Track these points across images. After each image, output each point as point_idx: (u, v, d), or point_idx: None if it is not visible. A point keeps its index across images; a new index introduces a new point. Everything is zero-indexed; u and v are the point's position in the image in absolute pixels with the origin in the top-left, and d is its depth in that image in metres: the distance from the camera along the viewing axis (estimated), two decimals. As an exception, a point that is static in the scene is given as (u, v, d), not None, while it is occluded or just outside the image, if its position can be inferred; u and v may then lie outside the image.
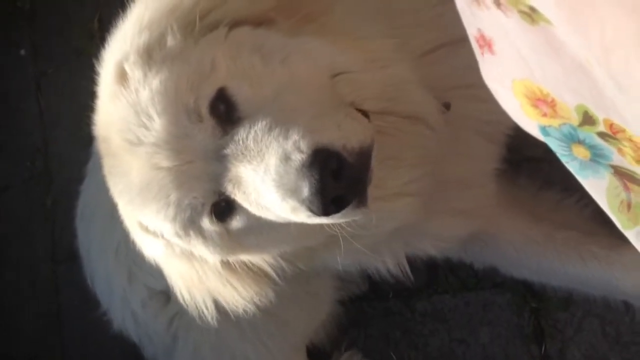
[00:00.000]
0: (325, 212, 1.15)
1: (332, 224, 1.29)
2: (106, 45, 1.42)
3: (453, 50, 1.58)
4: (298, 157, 1.14)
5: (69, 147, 3.11)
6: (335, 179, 1.14)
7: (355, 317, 2.42)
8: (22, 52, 3.50)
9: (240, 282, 1.52)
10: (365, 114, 1.32)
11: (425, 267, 2.26)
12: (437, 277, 2.31)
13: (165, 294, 2.09)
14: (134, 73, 1.31)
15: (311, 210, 1.15)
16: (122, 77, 1.33)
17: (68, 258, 2.95)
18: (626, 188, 0.97)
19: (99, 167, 1.57)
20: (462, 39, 1.53)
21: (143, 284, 2.11)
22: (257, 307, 1.94)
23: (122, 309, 2.21)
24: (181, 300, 1.59)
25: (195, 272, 1.50)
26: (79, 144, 2.56)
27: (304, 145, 1.14)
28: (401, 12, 1.58)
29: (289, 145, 1.16)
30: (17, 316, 3.39)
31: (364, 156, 1.19)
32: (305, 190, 1.13)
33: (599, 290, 1.87)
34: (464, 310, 2.27)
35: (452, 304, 2.29)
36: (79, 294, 2.52)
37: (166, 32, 1.32)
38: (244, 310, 1.56)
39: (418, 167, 1.48)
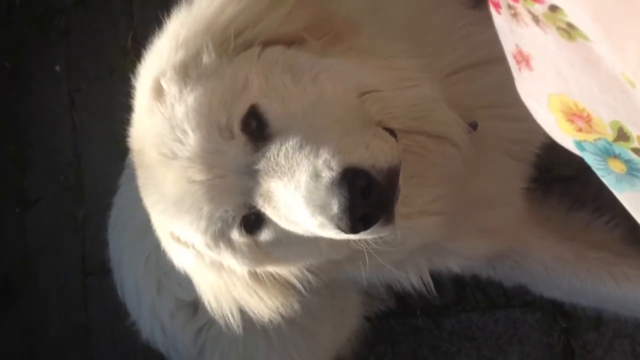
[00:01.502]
0: (353, 230, 1.18)
1: (358, 240, 1.31)
2: (142, 61, 1.45)
3: (480, 70, 1.60)
4: (328, 175, 1.16)
5: (101, 162, 3.17)
6: (363, 197, 1.16)
7: (383, 334, 2.41)
8: (57, 68, 3.57)
9: (267, 293, 1.54)
10: (392, 132, 1.33)
11: (453, 284, 2.26)
12: (465, 294, 2.29)
13: (194, 306, 2.11)
14: (170, 89, 1.34)
15: (339, 227, 1.17)
16: (158, 92, 1.37)
17: (98, 270, 2.99)
18: (662, 201, 0.97)
19: (132, 180, 1.61)
20: (489, 60, 1.57)
21: (172, 294, 2.13)
22: (285, 318, 1.97)
23: (150, 320, 2.23)
24: (209, 309, 1.61)
25: (224, 282, 1.53)
26: (111, 159, 2.61)
27: (334, 164, 1.17)
28: (428, 32, 1.60)
29: (319, 163, 1.18)
30: (47, 327, 3.43)
31: (392, 175, 1.21)
32: (335, 208, 1.15)
33: (630, 311, 1.85)
34: (493, 329, 2.25)
35: (481, 322, 2.27)
36: (108, 306, 2.55)
37: (202, 49, 1.35)
38: (270, 320, 1.58)
39: (443, 186, 1.49)
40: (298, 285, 1.55)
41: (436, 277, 1.86)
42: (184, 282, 2.05)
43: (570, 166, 1.97)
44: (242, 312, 1.77)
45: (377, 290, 2.31)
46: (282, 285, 1.55)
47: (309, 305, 2.06)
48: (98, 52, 3.38)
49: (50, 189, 3.51)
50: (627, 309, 1.84)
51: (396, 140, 1.31)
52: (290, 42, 1.40)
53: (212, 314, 1.62)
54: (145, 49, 1.45)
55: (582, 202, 1.98)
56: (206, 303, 1.60)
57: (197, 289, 1.62)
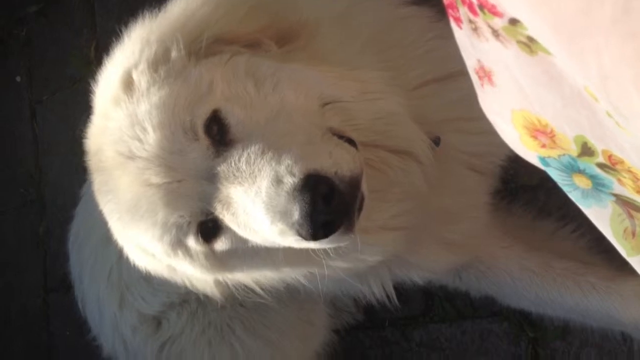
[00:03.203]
0: (314, 237, 1.16)
1: (317, 250, 1.30)
2: (107, 59, 1.43)
3: (444, 84, 1.60)
4: (290, 181, 1.15)
5: (63, 175, 3.11)
6: (325, 204, 1.15)
7: (351, 347, 2.40)
8: (18, 78, 3.52)
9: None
10: (353, 144, 1.32)
11: (421, 295, 2.26)
12: (434, 305, 2.29)
13: (157, 320, 2.08)
14: (141, 82, 1.32)
15: (300, 234, 1.16)
16: (128, 84, 1.34)
17: (59, 286, 2.93)
18: (630, 216, 0.96)
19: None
20: (453, 74, 1.57)
21: (134, 308, 2.09)
22: (251, 331, 1.95)
23: (112, 334, 2.18)
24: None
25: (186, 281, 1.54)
26: (73, 171, 2.56)
27: (296, 170, 1.16)
28: (393, 45, 1.59)
29: (281, 168, 1.17)
30: (7, 345, 3.35)
31: (354, 184, 1.20)
32: (296, 214, 1.14)
33: (597, 321, 1.86)
34: (461, 339, 2.25)
35: (449, 333, 2.27)
36: (70, 322, 2.49)
37: (172, 47, 1.34)
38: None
39: (404, 202, 1.49)
40: (259, 291, 1.55)
41: (403, 288, 1.85)
42: (147, 295, 2.03)
43: (534, 175, 1.99)
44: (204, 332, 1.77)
45: (345, 303, 2.31)
46: (245, 290, 1.55)
47: (275, 318, 2.05)
48: (60, 63, 3.32)
49: (11, 202, 3.43)
50: (594, 319, 1.85)
51: (357, 151, 1.30)
52: (252, 45, 1.39)
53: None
54: (106, 59, 1.43)
55: (547, 211, 2.00)
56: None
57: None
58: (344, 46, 1.49)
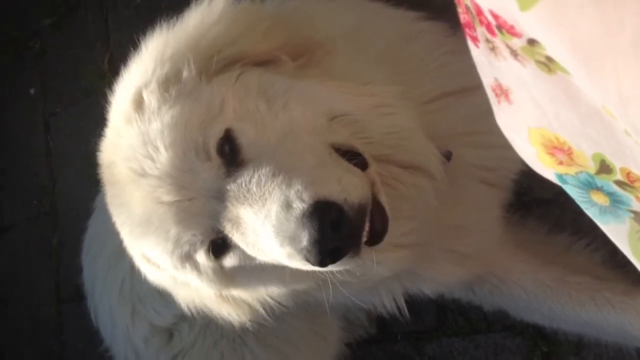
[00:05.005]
0: (322, 264, 1.18)
1: (324, 271, 1.31)
2: (123, 72, 1.44)
3: (456, 98, 1.61)
4: (299, 206, 1.16)
5: (76, 187, 3.13)
6: (333, 230, 1.16)
7: (364, 361, 2.39)
8: (32, 91, 3.54)
9: (234, 310, 1.56)
10: (364, 163, 1.33)
11: (434, 308, 2.25)
12: (447, 319, 2.28)
13: (169, 332, 2.09)
14: (151, 102, 1.33)
15: (308, 260, 1.17)
16: (139, 103, 1.35)
17: (72, 297, 2.93)
18: (648, 233, 0.96)
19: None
20: (465, 88, 1.57)
21: (146, 320, 2.10)
22: (263, 344, 1.96)
23: (124, 346, 2.19)
24: (189, 313, 1.63)
25: (193, 296, 1.55)
26: (86, 183, 2.57)
27: (306, 196, 1.17)
28: (406, 60, 1.60)
29: (291, 193, 1.18)
30: (20, 355, 3.35)
31: (362, 210, 1.21)
32: (304, 240, 1.15)
33: (611, 337, 1.85)
34: (474, 354, 2.23)
35: (462, 347, 2.26)
36: (83, 333, 2.50)
37: (183, 66, 1.35)
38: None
39: (414, 219, 1.49)
40: (261, 310, 1.55)
41: (416, 301, 1.85)
42: (159, 307, 2.04)
43: (548, 189, 1.98)
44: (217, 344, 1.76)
45: (357, 316, 2.30)
46: (247, 306, 1.56)
47: (288, 331, 2.05)
48: (73, 75, 3.35)
49: (24, 214, 3.45)
50: (608, 334, 1.84)
51: (368, 168, 1.32)
52: (267, 62, 1.40)
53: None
54: (122, 71, 1.44)
55: (561, 225, 1.98)
56: (186, 309, 1.61)
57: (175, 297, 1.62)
58: (356, 61, 1.50)
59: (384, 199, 1.28)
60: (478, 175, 1.67)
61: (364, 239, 1.23)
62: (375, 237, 1.26)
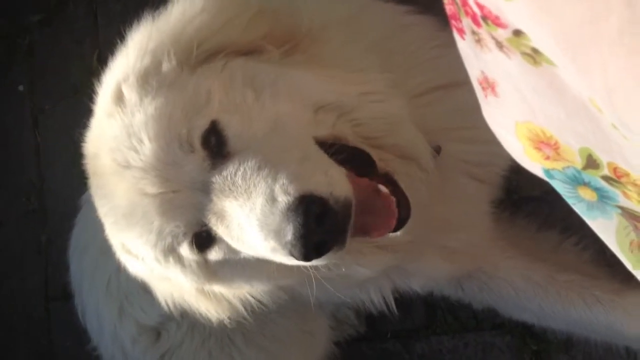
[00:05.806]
0: (306, 258, 1.17)
1: (308, 265, 1.30)
2: (108, 66, 1.43)
3: (447, 92, 1.60)
4: (285, 200, 1.16)
5: (65, 184, 3.09)
6: (318, 224, 1.15)
7: (353, 359, 2.38)
8: (20, 88, 3.50)
9: (214, 307, 1.55)
10: (358, 151, 1.33)
11: (423, 307, 2.24)
12: (436, 317, 2.27)
13: (156, 331, 2.08)
14: (130, 96, 1.32)
15: (292, 254, 1.16)
16: (119, 97, 1.35)
17: (61, 295, 2.91)
18: (636, 228, 0.95)
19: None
20: (456, 83, 1.56)
21: (133, 319, 2.09)
22: (251, 343, 1.95)
23: (111, 345, 2.17)
24: (167, 309, 1.61)
25: (173, 291, 1.54)
26: (75, 180, 2.54)
27: (291, 189, 1.16)
28: (397, 52, 1.59)
29: (276, 187, 1.17)
30: (10, 354, 3.33)
31: (347, 204, 1.20)
32: (289, 234, 1.14)
33: (601, 335, 1.85)
34: (463, 352, 2.23)
35: (451, 345, 2.25)
36: (71, 331, 2.48)
37: (163, 58, 1.34)
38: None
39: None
40: (240, 308, 1.55)
41: (405, 299, 1.84)
42: (146, 305, 2.02)
43: (537, 186, 1.97)
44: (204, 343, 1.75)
45: (346, 315, 2.29)
46: (227, 304, 1.55)
47: (276, 330, 2.04)
48: (62, 72, 3.32)
49: (13, 212, 3.42)
50: (598, 332, 1.84)
51: (373, 160, 1.33)
52: (252, 51, 1.39)
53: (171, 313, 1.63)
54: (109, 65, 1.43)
55: (551, 223, 1.98)
56: (164, 304, 1.60)
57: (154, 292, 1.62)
58: (347, 48, 1.49)
59: (403, 186, 1.29)
60: (467, 171, 1.67)
61: (349, 232, 1.22)
62: (400, 224, 1.28)
